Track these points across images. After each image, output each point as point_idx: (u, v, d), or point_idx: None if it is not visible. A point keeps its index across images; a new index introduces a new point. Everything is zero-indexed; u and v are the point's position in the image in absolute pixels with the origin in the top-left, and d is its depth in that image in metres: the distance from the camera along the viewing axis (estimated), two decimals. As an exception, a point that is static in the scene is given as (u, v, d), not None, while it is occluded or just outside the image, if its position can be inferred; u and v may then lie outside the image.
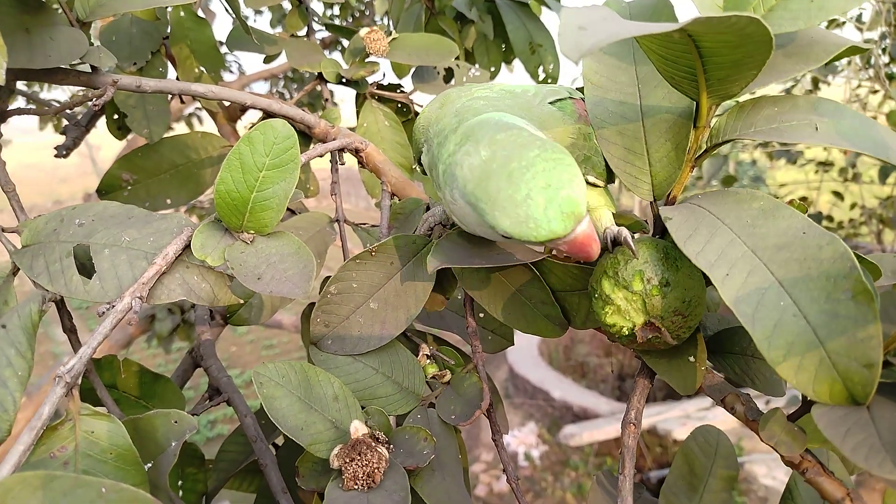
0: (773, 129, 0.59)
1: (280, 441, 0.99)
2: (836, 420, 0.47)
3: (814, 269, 0.50)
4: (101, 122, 1.26)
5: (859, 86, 4.05)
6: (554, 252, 0.70)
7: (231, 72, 3.60)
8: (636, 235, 0.68)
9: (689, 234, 0.56)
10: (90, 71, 0.84)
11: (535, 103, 0.71)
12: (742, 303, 0.51)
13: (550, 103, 0.71)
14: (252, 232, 0.67)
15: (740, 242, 0.54)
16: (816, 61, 0.62)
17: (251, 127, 1.38)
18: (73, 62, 0.80)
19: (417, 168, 0.80)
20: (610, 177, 0.72)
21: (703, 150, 0.64)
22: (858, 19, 3.67)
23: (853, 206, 4.33)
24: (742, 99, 0.64)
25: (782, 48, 0.64)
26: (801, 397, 0.56)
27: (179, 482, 0.91)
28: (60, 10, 0.81)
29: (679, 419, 5.39)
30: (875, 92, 3.96)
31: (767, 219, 0.55)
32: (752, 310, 0.50)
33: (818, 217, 4.14)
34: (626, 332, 0.64)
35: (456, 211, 0.63)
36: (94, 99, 0.78)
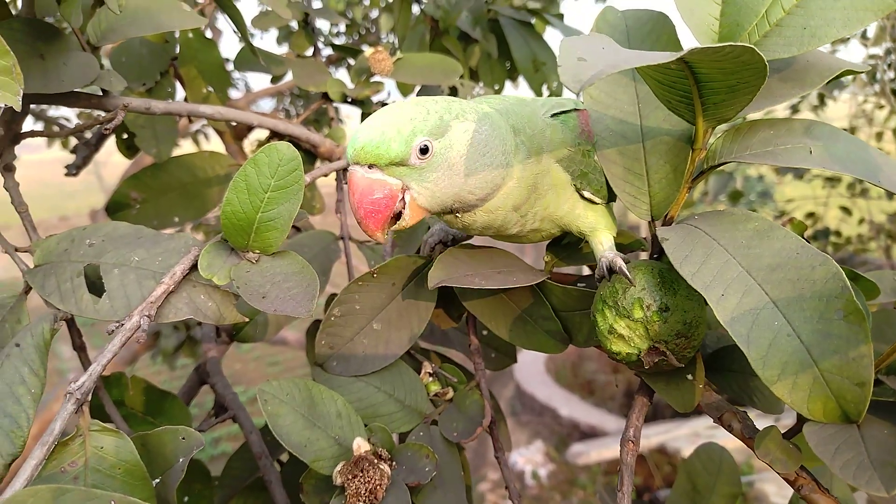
0: (768, 152, 0.60)
1: (285, 458, 1.00)
2: (826, 438, 0.48)
3: (807, 290, 0.51)
4: (109, 139, 1.28)
5: (865, 101, 4.05)
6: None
7: (238, 89, 3.63)
8: (631, 259, 0.69)
9: (686, 254, 0.57)
10: (101, 94, 0.86)
11: (541, 113, 0.72)
12: (737, 323, 0.52)
13: (554, 115, 0.72)
14: (257, 251, 0.68)
15: (735, 263, 0.55)
16: (812, 86, 0.63)
17: (258, 145, 1.41)
18: (85, 86, 0.82)
19: None
20: (610, 195, 0.73)
21: (699, 172, 0.65)
22: (863, 35, 3.68)
23: (861, 221, 4.32)
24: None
25: (778, 73, 0.65)
26: (797, 415, 0.57)
27: (186, 498, 0.92)
28: (73, 35, 0.83)
29: (688, 437, 5.35)
30: (881, 107, 3.96)
31: (762, 239, 0.56)
32: (746, 330, 0.51)
33: (826, 232, 4.13)
34: (634, 359, 0.65)
35: None
36: (105, 123, 0.80)
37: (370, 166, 0.62)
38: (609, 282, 0.66)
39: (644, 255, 0.76)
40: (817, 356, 0.50)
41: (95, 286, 0.67)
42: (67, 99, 0.84)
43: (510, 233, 0.72)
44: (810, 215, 4.39)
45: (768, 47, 0.60)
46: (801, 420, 0.57)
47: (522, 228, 0.71)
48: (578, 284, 0.79)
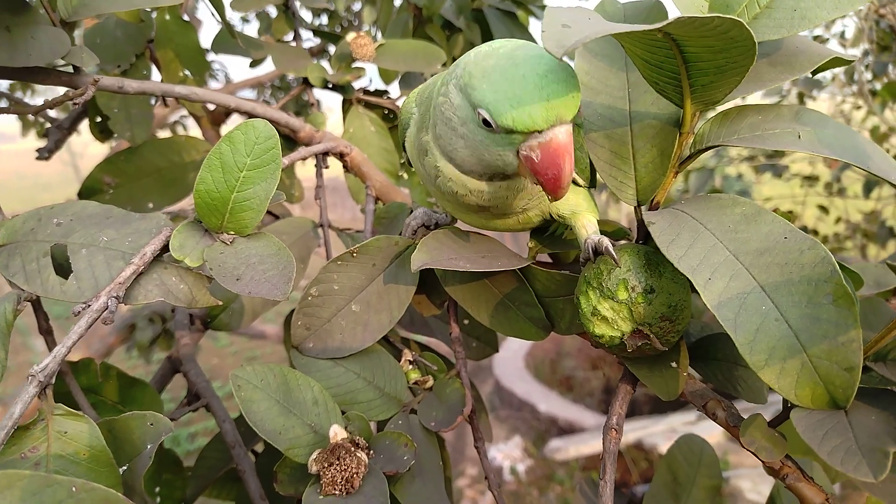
0: (757, 136, 0.59)
1: (260, 448, 0.98)
2: (814, 424, 0.47)
3: (795, 274, 0.50)
4: (85, 128, 1.25)
5: (843, 101, 4.10)
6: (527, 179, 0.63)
7: (217, 80, 3.59)
8: (619, 242, 0.68)
9: (672, 238, 0.56)
10: (72, 71, 0.83)
11: None
12: (724, 307, 0.51)
13: None
14: (232, 233, 0.66)
15: (722, 247, 0.54)
16: (801, 70, 0.63)
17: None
18: (56, 62, 0.79)
19: (405, 151, 0.76)
20: (592, 180, 0.72)
21: (686, 157, 0.64)
22: (842, 36, 3.72)
23: (838, 220, 4.37)
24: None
25: (767, 57, 0.64)
26: (783, 403, 0.56)
27: (157, 488, 0.89)
28: (43, 10, 0.80)
29: (665, 433, 5.38)
30: (859, 108, 4.00)
31: (749, 224, 0.55)
32: (734, 314, 0.50)
33: (803, 231, 4.17)
34: (617, 342, 0.64)
35: (442, 132, 0.61)
36: (75, 98, 0.77)
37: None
38: (594, 263, 0.65)
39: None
40: (805, 341, 0.49)
41: (63, 267, 0.65)
42: (36, 75, 0.81)
43: (504, 212, 0.68)
44: (788, 213, 4.42)
45: (758, 29, 0.59)
46: (786, 408, 0.56)
47: (519, 207, 0.68)
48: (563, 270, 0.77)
